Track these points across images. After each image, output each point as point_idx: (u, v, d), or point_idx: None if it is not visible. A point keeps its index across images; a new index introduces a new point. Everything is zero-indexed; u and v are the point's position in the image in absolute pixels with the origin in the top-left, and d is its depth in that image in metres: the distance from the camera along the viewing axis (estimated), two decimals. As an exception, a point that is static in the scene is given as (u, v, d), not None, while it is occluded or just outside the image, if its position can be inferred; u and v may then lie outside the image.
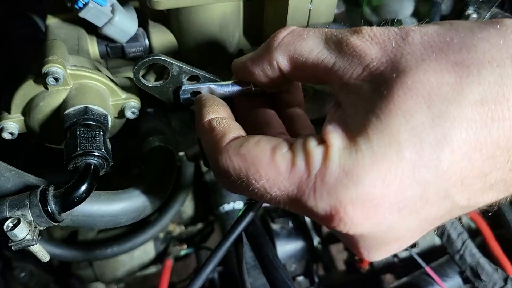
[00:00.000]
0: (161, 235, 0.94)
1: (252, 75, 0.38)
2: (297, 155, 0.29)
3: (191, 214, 1.01)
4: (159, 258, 0.94)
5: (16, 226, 0.37)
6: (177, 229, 0.96)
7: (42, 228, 0.39)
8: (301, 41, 0.33)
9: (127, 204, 0.46)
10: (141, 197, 0.47)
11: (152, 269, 0.94)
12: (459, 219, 0.89)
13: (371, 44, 0.30)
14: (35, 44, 0.76)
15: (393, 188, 0.26)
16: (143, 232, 0.87)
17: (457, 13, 0.62)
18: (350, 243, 0.30)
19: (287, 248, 0.96)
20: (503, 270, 0.72)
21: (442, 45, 0.28)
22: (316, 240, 0.99)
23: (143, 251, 0.92)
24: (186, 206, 0.99)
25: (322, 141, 0.29)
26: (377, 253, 0.30)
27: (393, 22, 0.65)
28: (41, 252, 0.39)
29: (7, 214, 0.38)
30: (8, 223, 0.37)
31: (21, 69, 0.72)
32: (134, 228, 0.87)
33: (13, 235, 0.37)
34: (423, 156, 0.25)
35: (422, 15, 0.65)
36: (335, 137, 0.28)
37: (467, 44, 0.27)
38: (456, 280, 0.76)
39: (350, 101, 0.29)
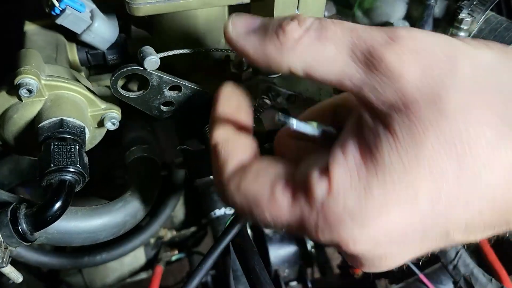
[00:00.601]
0: (152, 240, 0.92)
1: (255, 64, 0.31)
2: (298, 191, 0.27)
3: (182, 219, 1.00)
4: (150, 264, 0.92)
5: (-16, 248, 0.35)
6: (168, 234, 0.95)
7: (13, 249, 0.37)
8: (321, 47, 0.27)
9: (106, 220, 0.44)
10: (122, 211, 0.46)
11: (143, 275, 0.92)
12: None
13: (411, 62, 0.24)
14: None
15: (399, 231, 0.25)
16: (133, 238, 0.85)
17: (451, 16, 0.60)
18: (347, 256, 0.30)
19: (280, 253, 0.95)
20: (498, 277, 0.71)
21: (492, 91, 0.24)
22: (309, 245, 0.97)
23: (133, 258, 0.90)
24: (178, 210, 0.97)
25: (326, 171, 0.26)
26: (370, 269, 0.30)
27: (385, 25, 0.64)
28: (13, 273, 0.38)
29: (-25, 235, 0.36)
30: (-24, 245, 0.35)
31: None
32: (124, 234, 0.86)
33: (-20, 257, 0.35)
34: (437, 210, 0.24)
35: (414, 18, 0.63)
36: (344, 172, 0.25)
37: None
38: (450, 287, 0.75)
39: (374, 130, 0.25)
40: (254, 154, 0.32)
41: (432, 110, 0.23)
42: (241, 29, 0.30)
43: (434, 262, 0.79)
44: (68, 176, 0.39)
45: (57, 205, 0.37)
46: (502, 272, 0.72)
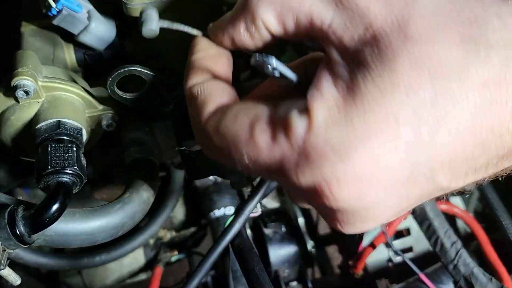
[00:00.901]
0: (151, 241, 0.92)
1: (234, 42, 0.32)
2: (278, 129, 0.26)
3: (182, 219, 1.00)
4: (149, 265, 0.92)
5: (-19, 251, 0.35)
6: (167, 235, 0.94)
7: (11, 251, 0.37)
8: None
9: (104, 222, 0.44)
10: (120, 213, 0.45)
11: (142, 276, 0.92)
12: (454, 226, 0.88)
13: None
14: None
15: (384, 167, 0.25)
16: (133, 239, 0.85)
17: None
18: (326, 214, 0.29)
19: (280, 253, 0.95)
20: (498, 276, 0.71)
21: (452, 13, 0.25)
22: (310, 244, 0.97)
23: (132, 258, 0.90)
24: (177, 211, 0.97)
25: (305, 110, 0.26)
26: (351, 227, 0.29)
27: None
28: (11, 275, 0.37)
29: (-29, 238, 0.36)
30: (-27, 248, 0.35)
31: None
32: (123, 235, 0.85)
33: (-23, 260, 0.35)
34: (420, 136, 0.24)
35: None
36: (322, 106, 0.25)
37: (478, 17, 0.25)
38: (451, 286, 0.74)
39: (347, 66, 0.26)
40: (233, 99, 0.31)
41: (400, 37, 0.25)
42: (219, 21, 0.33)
43: (434, 262, 0.79)
44: (65, 178, 0.38)
45: (55, 207, 0.37)
46: (503, 271, 0.72)
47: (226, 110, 0.29)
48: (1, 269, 0.36)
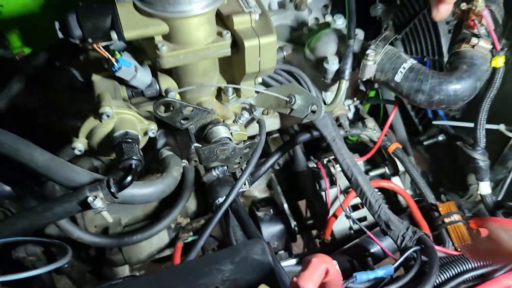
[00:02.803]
0: (172, 225, 1.21)
1: None
2: None
3: (194, 209, 1.29)
4: (172, 243, 1.21)
5: (94, 200, 0.65)
6: (184, 221, 1.24)
7: (108, 203, 0.67)
8: None
9: (153, 188, 0.74)
10: (162, 184, 0.76)
11: (167, 252, 1.21)
12: (396, 200, 1.17)
13: None
14: (72, 90, 1.05)
15: None
16: (159, 223, 1.14)
17: (364, 51, 0.90)
18: None
19: (270, 230, 1.24)
20: (420, 227, 1.00)
21: None
22: (293, 224, 1.26)
23: (159, 238, 1.19)
24: (190, 202, 1.26)
25: None
26: None
27: (323, 60, 0.94)
28: (108, 215, 0.68)
29: (88, 194, 0.66)
30: (90, 198, 0.65)
31: (62, 107, 1.02)
32: (152, 221, 1.15)
33: (94, 205, 0.65)
34: None
35: (341, 53, 0.94)
36: None
37: None
38: (390, 240, 1.04)
39: None
40: None
41: None
42: None
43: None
44: (134, 161, 0.69)
45: (129, 178, 0.68)
46: (423, 224, 1.01)
47: None
48: (105, 210, 0.66)
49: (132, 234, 1.12)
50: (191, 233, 1.24)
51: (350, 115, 1.27)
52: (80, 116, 1.00)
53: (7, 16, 0.98)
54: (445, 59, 1.20)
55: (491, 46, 0.83)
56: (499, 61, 0.84)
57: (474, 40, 0.83)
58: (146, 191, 0.73)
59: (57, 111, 1.06)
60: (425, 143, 1.37)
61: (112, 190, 0.67)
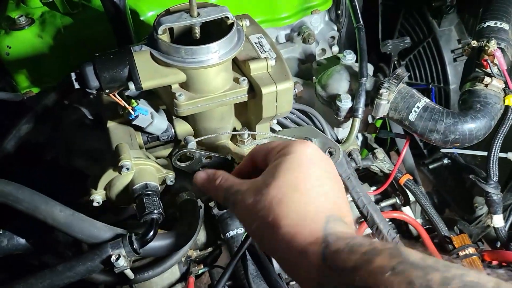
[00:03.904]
0: (183, 259, 1.20)
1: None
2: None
3: (203, 241, 1.28)
4: (183, 277, 1.20)
5: (118, 259, 0.65)
6: (194, 254, 1.23)
7: (130, 259, 0.67)
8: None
9: (175, 239, 0.74)
10: (183, 235, 0.75)
11: (178, 287, 1.20)
12: (407, 229, 1.17)
13: None
14: (81, 127, 1.04)
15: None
16: (170, 258, 1.13)
17: (377, 89, 0.91)
18: None
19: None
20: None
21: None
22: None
23: (170, 273, 1.18)
24: (200, 234, 1.26)
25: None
26: None
27: (335, 96, 0.95)
28: (131, 273, 0.67)
29: (111, 253, 0.65)
30: (113, 258, 0.65)
31: (71, 144, 1.01)
32: (163, 256, 1.14)
33: (117, 264, 0.64)
34: None
35: (354, 91, 0.94)
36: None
37: None
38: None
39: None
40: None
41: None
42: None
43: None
44: (156, 215, 0.68)
45: (151, 233, 0.67)
46: (437, 254, 1.01)
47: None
48: (128, 268, 0.65)
49: (143, 270, 1.11)
50: (202, 266, 1.23)
51: (358, 143, 1.27)
52: (89, 155, 0.99)
53: (15, 57, 0.97)
54: (451, 87, 1.21)
55: (504, 85, 0.84)
56: (512, 100, 0.84)
57: (487, 80, 0.84)
58: (167, 242, 0.73)
59: (65, 148, 1.05)
60: (430, 166, 1.38)
61: (134, 247, 0.66)
